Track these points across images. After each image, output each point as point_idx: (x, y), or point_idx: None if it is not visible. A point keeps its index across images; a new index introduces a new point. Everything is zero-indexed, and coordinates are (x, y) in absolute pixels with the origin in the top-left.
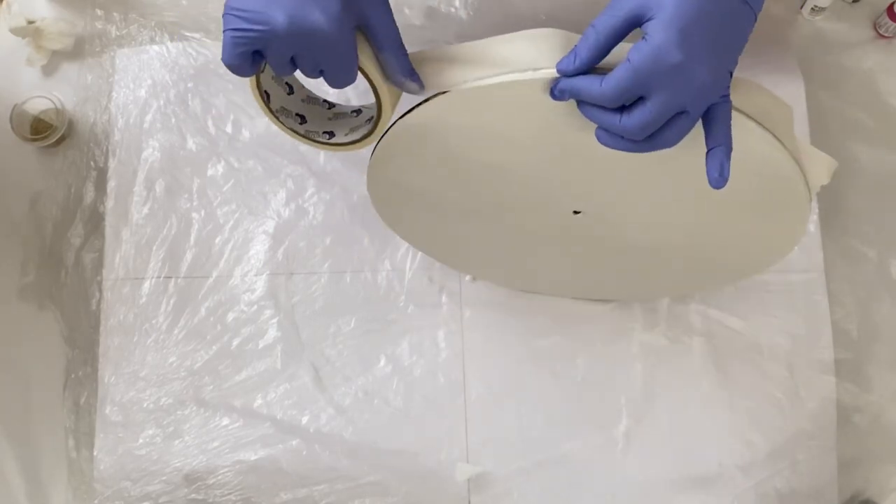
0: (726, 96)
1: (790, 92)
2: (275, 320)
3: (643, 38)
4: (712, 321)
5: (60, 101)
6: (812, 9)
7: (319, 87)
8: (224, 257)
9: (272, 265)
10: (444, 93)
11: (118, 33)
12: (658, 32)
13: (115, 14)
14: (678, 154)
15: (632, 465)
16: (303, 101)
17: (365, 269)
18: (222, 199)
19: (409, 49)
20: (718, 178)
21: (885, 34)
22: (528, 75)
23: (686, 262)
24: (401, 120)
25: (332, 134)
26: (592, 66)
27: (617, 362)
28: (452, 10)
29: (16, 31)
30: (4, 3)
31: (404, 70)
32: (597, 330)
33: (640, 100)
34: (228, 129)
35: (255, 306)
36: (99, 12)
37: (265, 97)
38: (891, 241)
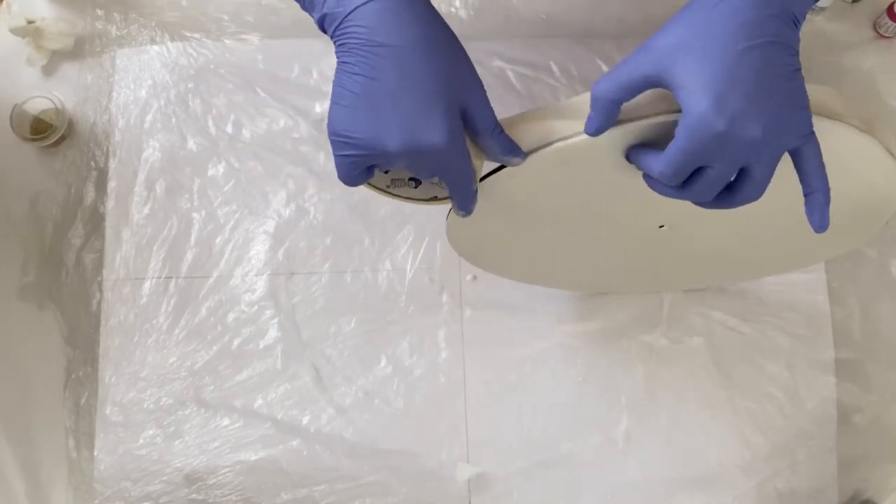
0: (808, 135)
1: None
2: (275, 320)
3: (682, 111)
4: (712, 321)
5: (60, 101)
6: (812, 9)
7: None
8: (224, 257)
9: (273, 265)
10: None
11: (118, 33)
12: (693, 105)
13: (115, 14)
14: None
15: (632, 465)
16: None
17: (365, 269)
18: (223, 199)
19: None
20: (819, 226)
21: (885, 34)
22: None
23: (748, 259)
24: (483, 181)
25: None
26: (608, 123)
27: (617, 362)
28: (452, 10)
29: (16, 31)
30: (4, 3)
31: (505, 151)
32: (597, 330)
33: (699, 169)
34: (229, 129)
35: (256, 306)
36: (99, 12)
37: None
38: (891, 240)
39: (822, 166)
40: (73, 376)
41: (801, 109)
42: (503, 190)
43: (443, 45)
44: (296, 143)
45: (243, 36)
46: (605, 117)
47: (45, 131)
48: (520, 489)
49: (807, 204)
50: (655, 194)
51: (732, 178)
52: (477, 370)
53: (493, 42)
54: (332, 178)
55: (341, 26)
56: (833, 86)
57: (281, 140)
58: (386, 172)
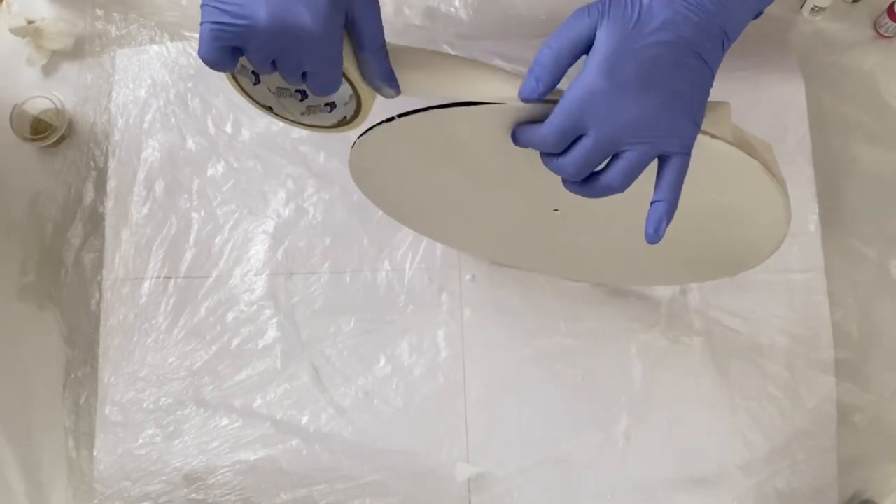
0: (685, 149)
1: (790, 92)
2: (274, 320)
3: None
4: (712, 321)
5: (60, 101)
6: (812, 9)
7: None
8: (224, 257)
9: (272, 265)
10: (414, 112)
11: (118, 33)
12: (588, 68)
13: (115, 14)
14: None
15: (632, 465)
16: (273, 92)
17: (365, 268)
18: (222, 198)
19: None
20: (653, 234)
21: (885, 34)
22: (496, 106)
23: (669, 258)
24: (371, 131)
25: (308, 126)
26: (553, 86)
27: (617, 362)
28: (452, 10)
29: (16, 31)
30: (4, 3)
31: (383, 75)
32: (597, 330)
33: (577, 139)
34: (228, 128)
35: (255, 306)
36: (99, 12)
37: (236, 82)
38: (891, 240)
39: (679, 182)
40: (73, 376)
41: (691, 121)
42: (396, 135)
43: None
44: (295, 143)
45: None
46: (549, 83)
47: (45, 131)
48: (519, 489)
49: (649, 211)
50: (548, 177)
51: (602, 166)
52: (476, 370)
53: (493, 42)
54: (332, 178)
55: None
56: (833, 86)
57: (280, 140)
58: (256, 76)
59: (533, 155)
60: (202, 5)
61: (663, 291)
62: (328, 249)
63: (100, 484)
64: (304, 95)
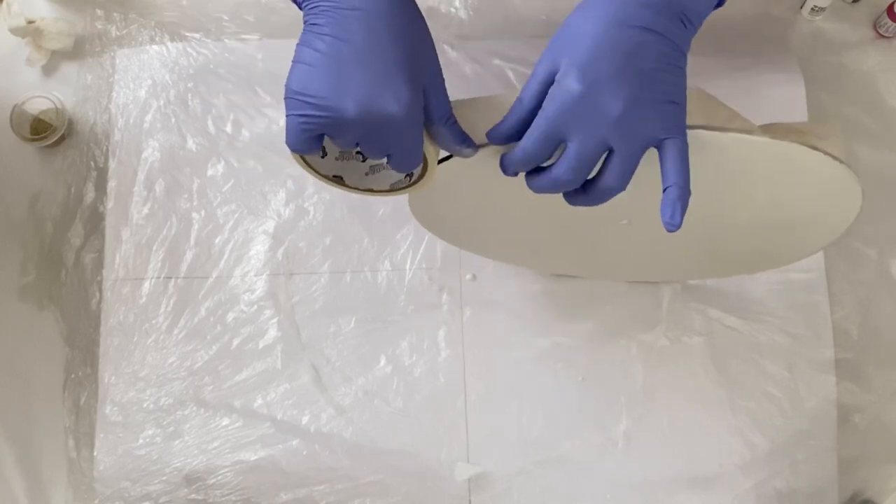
0: (675, 131)
1: (790, 92)
2: (275, 320)
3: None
4: (712, 321)
5: (60, 101)
6: (812, 9)
7: None
8: (224, 257)
9: (272, 265)
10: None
11: (118, 33)
12: (562, 75)
13: (115, 14)
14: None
15: (632, 465)
16: (337, 158)
17: (365, 269)
18: (222, 199)
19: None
20: (668, 221)
21: (885, 34)
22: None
23: (730, 252)
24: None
25: (371, 191)
26: (518, 130)
27: (617, 362)
28: (452, 10)
29: (15, 31)
30: (4, 2)
31: (456, 140)
32: (597, 330)
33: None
34: (228, 129)
35: (255, 306)
36: (99, 12)
37: (304, 160)
38: (891, 240)
39: (681, 163)
40: (73, 376)
41: (670, 103)
42: (461, 173)
43: (414, 19)
44: None
45: (243, 36)
46: (515, 126)
47: (44, 131)
48: (519, 489)
49: (662, 200)
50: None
51: (594, 174)
52: (476, 370)
53: (492, 42)
54: None
55: None
56: (833, 86)
57: (280, 140)
58: (323, 150)
59: None
60: (286, 97)
61: (664, 291)
62: (328, 249)
63: (100, 484)
64: (364, 156)
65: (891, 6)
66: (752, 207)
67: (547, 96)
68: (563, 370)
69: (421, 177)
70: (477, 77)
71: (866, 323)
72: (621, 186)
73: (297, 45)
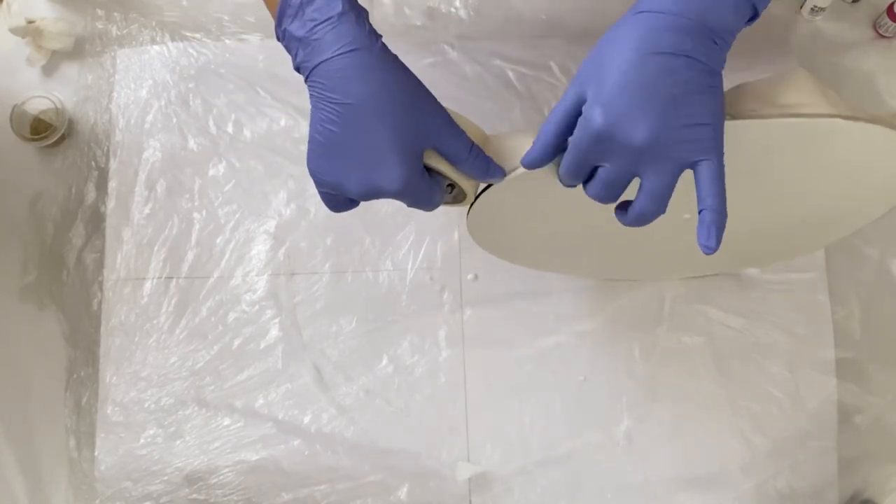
0: (710, 153)
1: None
2: (276, 320)
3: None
4: (713, 321)
5: (60, 100)
6: (812, 9)
7: None
8: (225, 257)
9: (273, 265)
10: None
11: (119, 33)
12: (587, 108)
13: (115, 14)
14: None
15: (632, 465)
16: None
17: (366, 268)
18: (223, 199)
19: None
20: (705, 244)
21: (885, 34)
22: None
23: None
24: (479, 199)
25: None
26: (547, 158)
27: (618, 362)
28: (452, 10)
29: (16, 31)
30: (4, 2)
31: (483, 174)
32: (598, 330)
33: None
34: (229, 129)
35: (257, 306)
36: (99, 12)
37: None
38: (892, 240)
39: (715, 185)
40: (74, 376)
41: (701, 126)
42: (507, 198)
43: (399, 98)
44: (296, 143)
45: (244, 36)
46: (542, 153)
47: (45, 131)
48: (520, 488)
49: (698, 221)
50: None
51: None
52: (478, 369)
53: (492, 42)
54: None
55: (308, 79)
56: (833, 86)
57: (281, 140)
58: None
59: None
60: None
61: (666, 292)
62: (330, 249)
63: (101, 484)
64: None
65: (890, 6)
66: (821, 193)
67: (577, 125)
68: (564, 370)
69: (464, 197)
70: (477, 77)
71: (867, 323)
72: (657, 210)
73: (310, 119)
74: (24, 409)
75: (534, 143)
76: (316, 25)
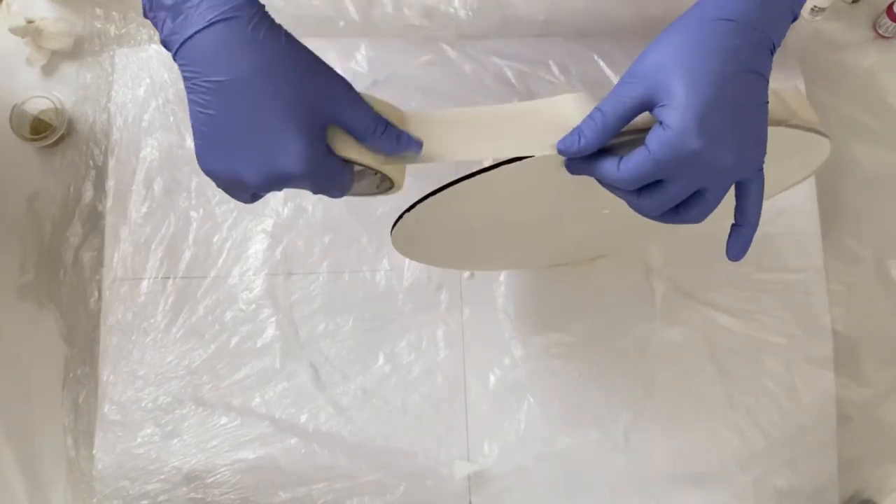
0: (759, 170)
1: None
2: (273, 319)
3: (660, 124)
4: (711, 319)
5: (60, 100)
6: (812, 9)
7: None
8: (222, 256)
9: (270, 264)
10: (462, 179)
11: (117, 32)
12: (675, 120)
13: (114, 13)
14: None
15: (630, 462)
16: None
17: (363, 267)
18: (221, 197)
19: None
20: (735, 256)
21: (885, 34)
22: (538, 156)
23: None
24: (415, 208)
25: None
26: (597, 149)
27: (615, 359)
28: (452, 9)
29: (15, 31)
30: (4, 2)
31: (392, 146)
32: (595, 327)
33: (658, 181)
34: None
35: (254, 305)
36: (98, 12)
37: None
38: (888, 240)
39: (760, 202)
40: (72, 375)
41: (761, 143)
42: (442, 203)
43: (286, 69)
44: None
45: None
46: (597, 143)
47: (44, 131)
48: (519, 486)
49: (732, 233)
50: (598, 189)
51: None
52: (475, 368)
53: (491, 41)
54: None
55: (176, 57)
56: (833, 86)
57: None
58: None
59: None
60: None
61: (657, 287)
62: (327, 248)
63: (99, 483)
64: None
65: (890, 6)
66: None
67: (655, 137)
68: (561, 367)
69: (391, 185)
70: (476, 76)
71: (864, 322)
72: (703, 219)
73: (188, 109)
74: (22, 407)
75: (582, 132)
76: None
